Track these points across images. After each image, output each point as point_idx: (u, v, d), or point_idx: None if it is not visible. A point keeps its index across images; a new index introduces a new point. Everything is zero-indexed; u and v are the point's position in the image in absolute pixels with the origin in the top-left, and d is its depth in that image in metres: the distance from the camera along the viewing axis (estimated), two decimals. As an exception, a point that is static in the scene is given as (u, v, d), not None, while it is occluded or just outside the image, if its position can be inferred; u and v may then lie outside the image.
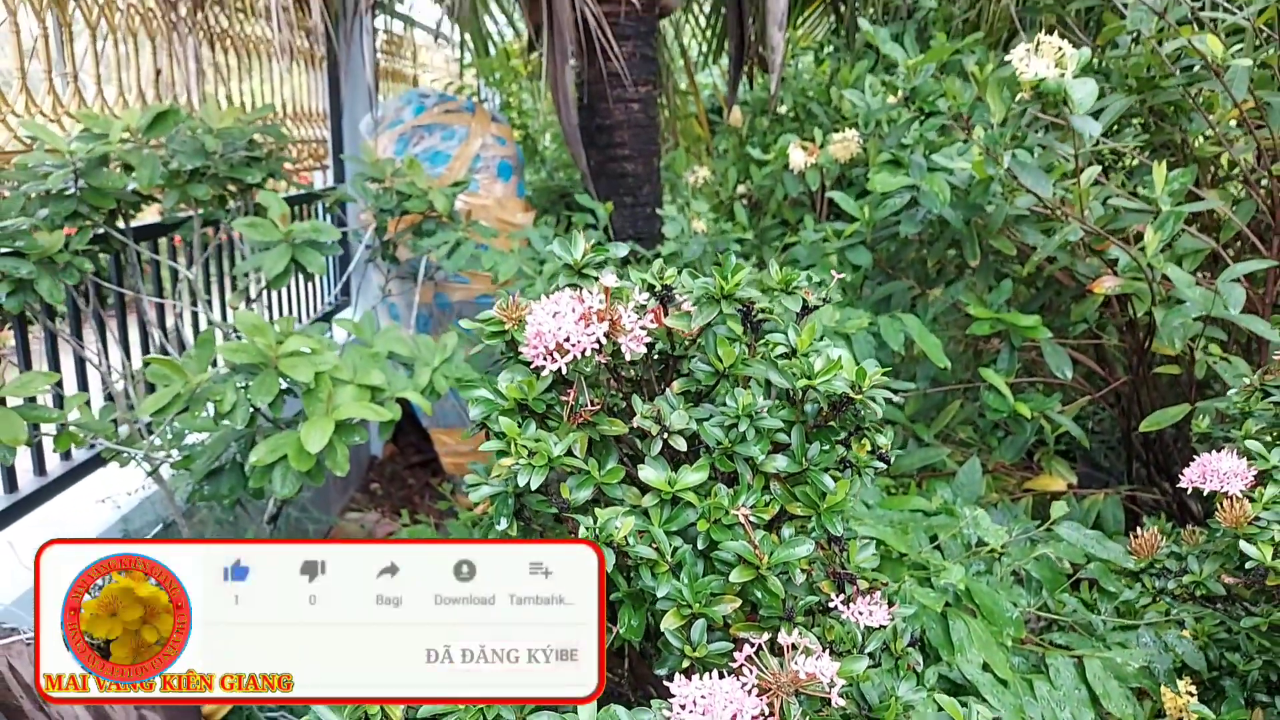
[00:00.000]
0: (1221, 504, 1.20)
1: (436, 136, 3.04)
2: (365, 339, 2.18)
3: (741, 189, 3.52)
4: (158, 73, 2.67)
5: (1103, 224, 2.38)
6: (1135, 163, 2.64)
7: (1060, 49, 1.94)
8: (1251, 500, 1.21)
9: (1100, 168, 2.22)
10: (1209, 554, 1.28)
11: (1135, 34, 2.58)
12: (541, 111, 5.18)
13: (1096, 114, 2.14)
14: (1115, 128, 2.93)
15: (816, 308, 0.97)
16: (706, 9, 4.72)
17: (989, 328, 2.38)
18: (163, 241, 2.48)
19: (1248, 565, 1.15)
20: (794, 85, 3.88)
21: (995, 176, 2.24)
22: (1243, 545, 1.16)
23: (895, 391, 2.69)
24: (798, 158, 2.87)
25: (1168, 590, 1.33)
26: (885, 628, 0.91)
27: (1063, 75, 1.92)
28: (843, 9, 4.32)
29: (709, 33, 4.78)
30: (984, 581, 1.68)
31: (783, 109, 3.81)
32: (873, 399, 0.90)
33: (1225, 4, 2.55)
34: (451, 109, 3.15)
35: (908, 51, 2.82)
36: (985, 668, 1.51)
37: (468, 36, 4.50)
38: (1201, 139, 2.78)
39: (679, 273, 1.01)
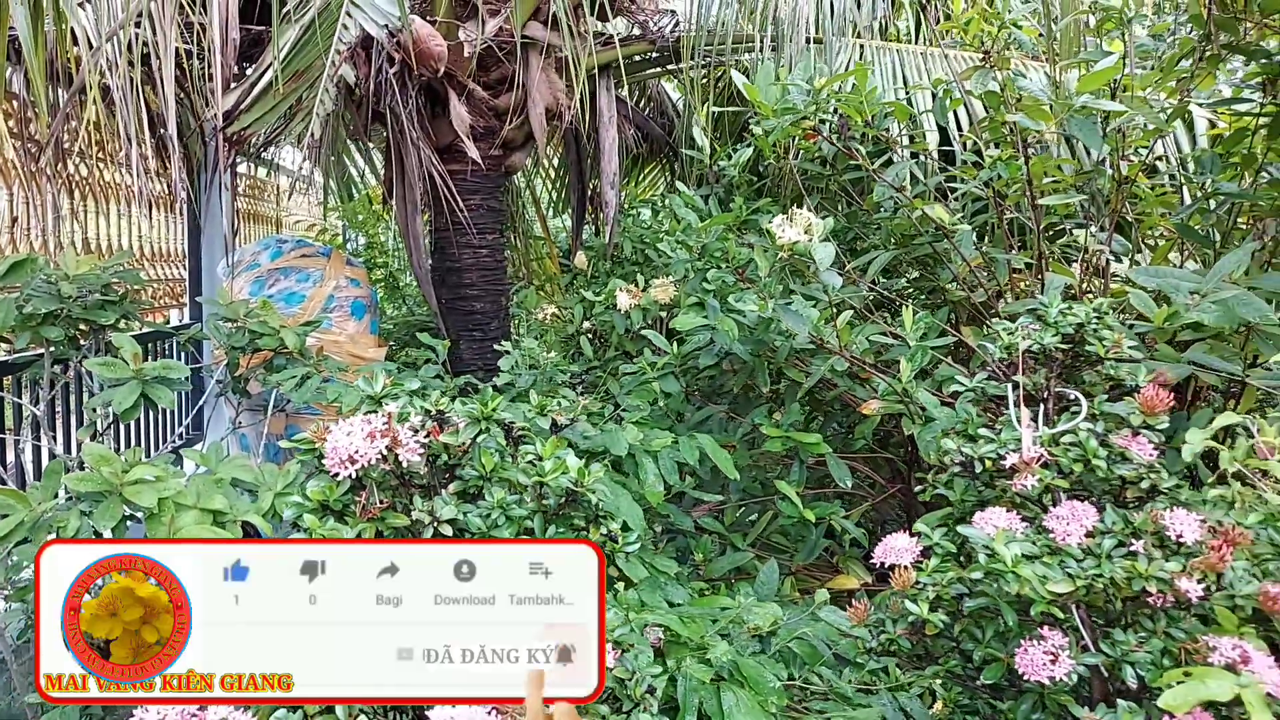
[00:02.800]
0: (893, 572, 1.59)
1: (292, 279, 3.33)
2: (212, 467, 2.38)
3: (587, 324, 3.93)
4: (14, 220, 2.87)
5: (871, 356, 2.89)
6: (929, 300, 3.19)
7: (809, 220, 2.47)
8: (919, 569, 1.60)
9: (851, 311, 2.73)
10: (897, 617, 1.65)
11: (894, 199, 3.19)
12: (401, 252, 5.54)
13: (866, 266, 2.68)
14: (887, 273, 3.54)
15: (566, 425, 1.31)
16: (556, 162, 5.29)
17: (780, 445, 2.81)
18: (7, 379, 2.62)
19: (910, 619, 1.53)
20: (635, 232, 4.39)
21: (774, 317, 2.71)
22: (906, 604, 1.54)
23: (705, 502, 3.06)
24: (623, 300, 3.31)
25: (873, 650, 1.69)
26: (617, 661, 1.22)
27: (810, 240, 2.43)
28: (676, 167, 4.96)
29: (559, 184, 5.33)
30: (755, 659, 2.01)
31: (627, 251, 4.30)
32: (593, 491, 1.24)
33: (958, 175, 3.23)
34: (308, 253, 3.46)
35: (711, 211, 3.36)
36: (750, 731, 1.81)
37: (331, 182, 4.87)
38: (953, 285, 3.40)
39: (504, 400, 1.34)
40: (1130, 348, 1.86)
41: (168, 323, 4.04)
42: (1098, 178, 3.19)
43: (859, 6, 3.27)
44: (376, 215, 5.35)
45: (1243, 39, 2.86)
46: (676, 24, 4.30)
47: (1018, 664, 1.47)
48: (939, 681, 1.80)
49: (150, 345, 3.32)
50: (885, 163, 3.30)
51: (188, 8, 2.86)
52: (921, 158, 3.50)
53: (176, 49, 2.71)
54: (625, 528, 1.40)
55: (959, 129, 3.61)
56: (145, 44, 2.56)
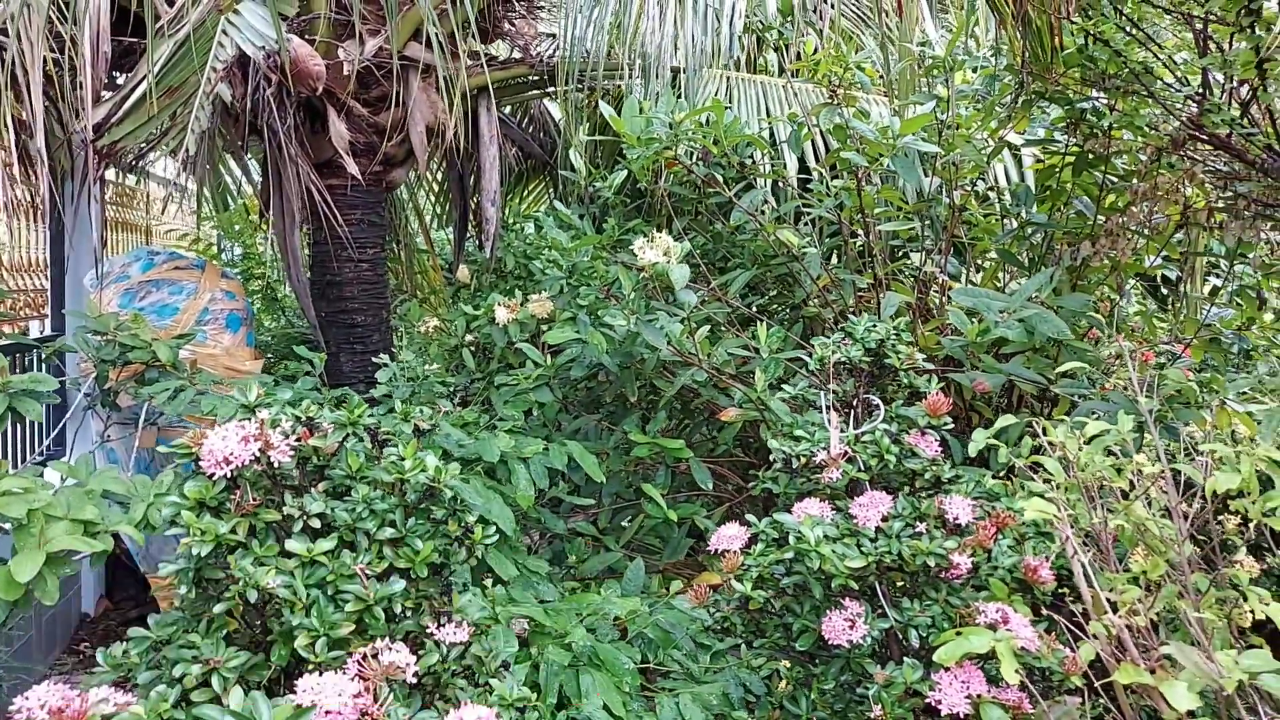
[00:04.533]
0: (723, 556, 1.85)
1: (165, 291, 3.37)
2: (81, 479, 2.44)
3: (469, 336, 4.08)
4: None
5: (732, 368, 3.17)
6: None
7: (668, 243, 2.73)
8: (746, 554, 1.87)
9: (709, 326, 3.02)
10: (731, 599, 1.91)
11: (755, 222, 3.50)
12: (280, 265, 5.55)
13: (731, 285, 2.95)
14: (750, 290, 3.85)
15: (428, 431, 1.50)
16: (440, 176, 5.42)
17: (648, 451, 3.06)
18: None
19: (738, 597, 1.79)
20: (517, 247, 4.57)
21: (638, 332, 2.96)
22: (734, 583, 1.80)
23: (581, 507, 3.29)
24: (502, 314, 3.50)
25: (711, 628, 1.94)
26: (468, 643, 1.42)
27: (669, 261, 2.69)
28: (558, 185, 5.18)
29: (442, 198, 5.47)
30: (613, 645, 2.23)
31: (510, 266, 4.48)
32: (450, 487, 1.44)
33: (814, 201, 3.57)
34: (181, 265, 3.51)
35: (587, 230, 3.60)
36: (606, 708, 2.04)
37: (206, 191, 4.86)
38: (808, 302, 3.73)
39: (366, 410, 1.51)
40: (944, 358, 2.19)
41: (26, 334, 3.99)
42: (936, 206, 3.59)
43: (719, 41, 3.57)
44: (253, 225, 5.35)
45: (1051, 87, 3.31)
46: (555, 48, 4.53)
47: (824, 631, 1.75)
48: (782, 663, 2.07)
49: (11, 358, 3.30)
50: (747, 188, 3.62)
51: (57, 19, 2.90)
52: (782, 184, 3.84)
53: (45, 58, 2.75)
54: (482, 521, 1.60)
55: (815, 159, 3.97)
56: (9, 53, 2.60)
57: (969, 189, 3.74)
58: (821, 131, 3.93)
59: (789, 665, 2.09)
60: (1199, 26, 2.66)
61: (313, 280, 3.89)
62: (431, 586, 1.46)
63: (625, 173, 3.67)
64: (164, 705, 1.23)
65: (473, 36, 3.77)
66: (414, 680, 1.26)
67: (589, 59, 3.50)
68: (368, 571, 1.35)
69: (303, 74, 3.13)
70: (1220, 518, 2.11)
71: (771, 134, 4.03)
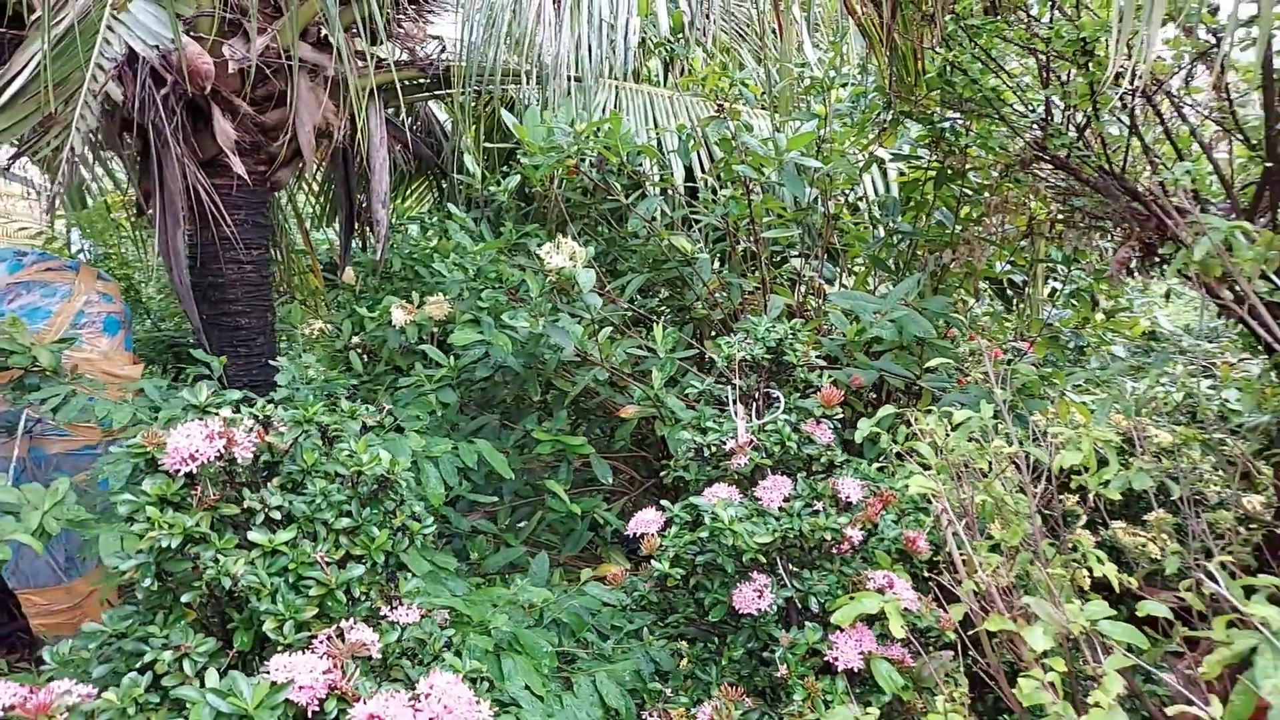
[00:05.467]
0: (642, 539, 2.04)
1: (36, 294, 3.25)
2: (-36, 490, 2.37)
3: (356, 339, 4.11)
4: None
5: (628, 367, 3.37)
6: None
7: (574, 249, 2.90)
8: (663, 536, 2.06)
9: (612, 327, 3.21)
10: (647, 579, 2.10)
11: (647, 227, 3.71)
12: (147, 263, 5.36)
13: (624, 287, 3.14)
14: (642, 293, 4.06)
15: (373, 427, 1.61)
16: (319, 175, 5.37)
17: (550, 448, 3.22)
18: None
19: (655, 575, 1.99)
20: (404, 249, 4.61)
21: (544, 333, 3.12)
22: (653, 563, 1.99)
23: (481, 505, 3.40)
24: (398, 316, 3.57)
25: (628, 607, 2.12)
26: (418, 622, 1.54)
27: (574, 265, 2.86)
28: (444, 185, 5.24)
29: (323, 198, 5.42)
30: (530, 631, 2.38)
31: (397, 268, 4.50)
32: (400, 479, 1.56)
33: (701, 209, 3.82)
34: (53, 267, 3.39)
35: (484, 234, 3.72)
36: (527, 689, 2.19)
37: (63, 188, 4.64)
38: (698, 304, 3.98)
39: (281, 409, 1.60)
40: (823, 355, 2.45)
41: None
42: (812, 214, 3.91)
43: (614, 53, 3.77)
44: (115, 224, 5.14)
45: (915, 108, 3.68)
46: (443, 50, 4.61)
47: (735, 601, 1.97)
48: (682, 644, 2.27)
49: None
50: (639, 196, 3.83)
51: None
52: (670, 192, 4.07)
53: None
54: (415, 517, 1.72)
55: (702, 168, 4.23)
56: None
57: (842, 199, 4.09)
58: (707, 142, 4.20)
59: (697, 640, 2.31)
60: (1043, 60, 3.06)
61: (194, 282, 3.82)
62: (380, 573, 1.58)
63: (519, 177, 3.81)
64: (137, 690, 1.29)
65: (362, 37, 3.81)
66: (378, 656, 1.38)
67: (487, 67, 3.62)
68: (327, 559, 1.45)
69: (192, 72, 3.11)
70: (1063, 496, 2.47)
71: (659, 143, 4.26)
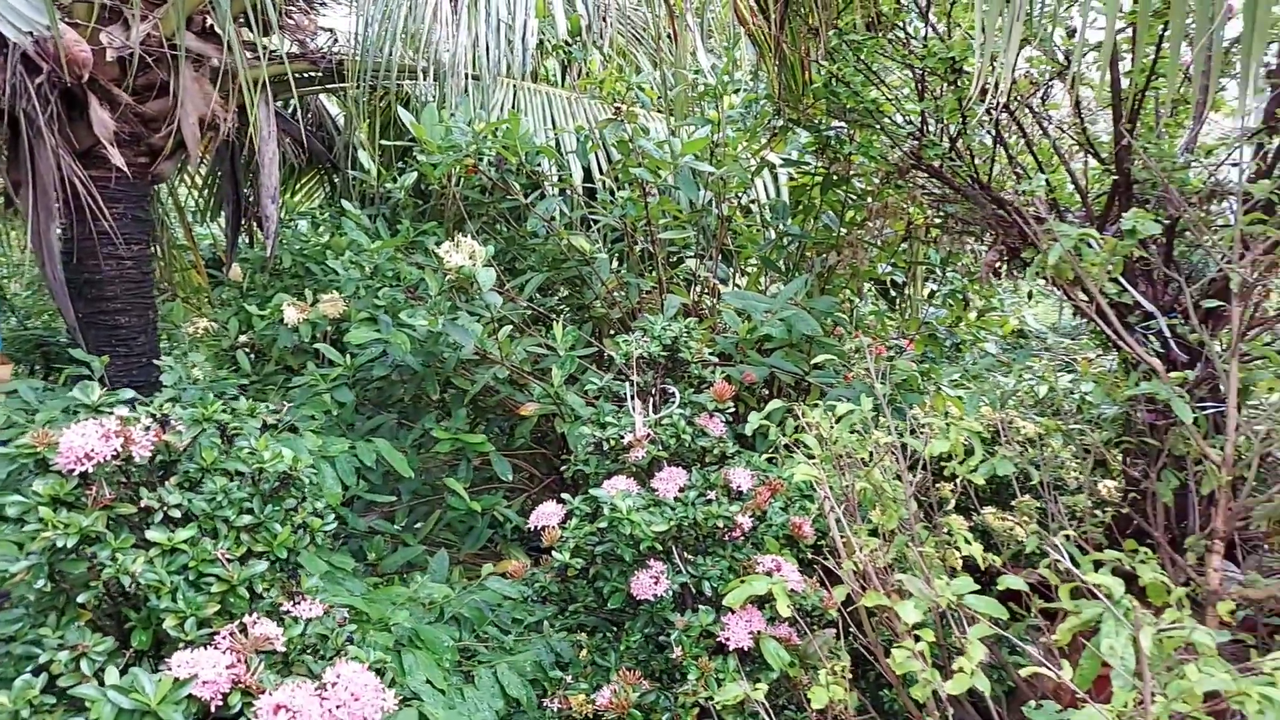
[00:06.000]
0: (543, 531, 2.11)
1: (-109, 289, 3.07)
2: None
3: (244, 338, 4.02)
4: None
5: (528, 365, 3.42)
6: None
7: (473, 247, 2.94)
8: (564, 528, 2.14)
9: (511, 326, 3.26)
10: (548, 570, 2.18)
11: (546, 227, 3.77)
12: (12, 259, 5.08)
13: (524, 286, 3.19)
14: (542, 292, 4.12)
15: (274, 426, 1.63)
16: (203, 169, 5.20)
17: (449, 446, 3.24)
18: None
19: (555, 566, 2.06)
20: (294, 245, 4.52)
21: (443, 332, 3.14)
22: (554, 555, 2.07)
23: (378, 505, 3.40)
24: (291, 314, 3.52)
25: (530, 598, 2.19)
26: (320, 617, 1.57)
27: (474, 264, 2.90)
28: (335, 180, 5.16)
29: (208, 192, 5.25)
30: (431, 627, 2.42)
31: (286, 264, 4.42)
32: (303, 477, 1.58)
33: (600, 209, 3.90)
34: (-91, 261, 3.20)
35: (380, 231, 3.70)
36: (429, 683, 2.23)
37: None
38: (597, 303, 4.06)
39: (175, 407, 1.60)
40: (717, 353, 2.57)
41: None
42: (706, 216, 4.05)
43: (512, 53, 3.82)
44: (-26, 215, 4.84)
45: (803, 115, 3.87)
46: (336, 43, 4.55)
47: (633, 589, 2.06)
48: (582, 635, 2.35)
49: None
50: (538, 195, 3.89)
51: None
52: (569, 192, 4.14)
53: None
54: (317, 513, 1.74)
55: (600, 169, 4.32)
56: None
57: (735, 202, 4.25)
58: (605, 143, 4.29)
59: (597, 629, 2.39)
60: (919, 75, 3.28)
61: (69, 279, 3.67)
62: (281, 569, 1.60)
63: (415, 174, 3.81)
64: (31, 692, 1.28)
65: (251, 28, 3.74)
66: (282, 650, 1.41)
67: (382, 63, 3.61)
68: (228, 556, 1.47)
69: (69, 60, 3.00)
70: (939, 483, 2.67)
71: (558, 143, 4.33)
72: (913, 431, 2.58)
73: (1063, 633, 1.96)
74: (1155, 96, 2.95)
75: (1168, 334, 2.82)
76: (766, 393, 3.98)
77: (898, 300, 4.88)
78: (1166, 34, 2.58)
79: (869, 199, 3.88)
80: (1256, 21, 1.73)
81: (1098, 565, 2.23)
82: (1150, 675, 1.65)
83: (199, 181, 5.26)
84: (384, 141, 4.06)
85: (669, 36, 3.69)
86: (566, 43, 3.90)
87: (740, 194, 4.28)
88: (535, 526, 2.18)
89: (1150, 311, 2.76)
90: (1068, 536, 2.38)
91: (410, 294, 3.01)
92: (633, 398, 2.28)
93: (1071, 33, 3.14)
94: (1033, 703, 1.95)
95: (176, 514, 1.48)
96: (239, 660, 1.37)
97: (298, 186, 5.55)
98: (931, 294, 4.66)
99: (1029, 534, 2.71)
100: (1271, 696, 1.50)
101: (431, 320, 2.97)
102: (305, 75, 4.36)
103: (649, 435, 2.20)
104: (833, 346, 3.56)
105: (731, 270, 4.35)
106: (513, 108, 4.22)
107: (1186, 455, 2.65)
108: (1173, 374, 2.42)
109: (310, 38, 4.34)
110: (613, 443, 2.19)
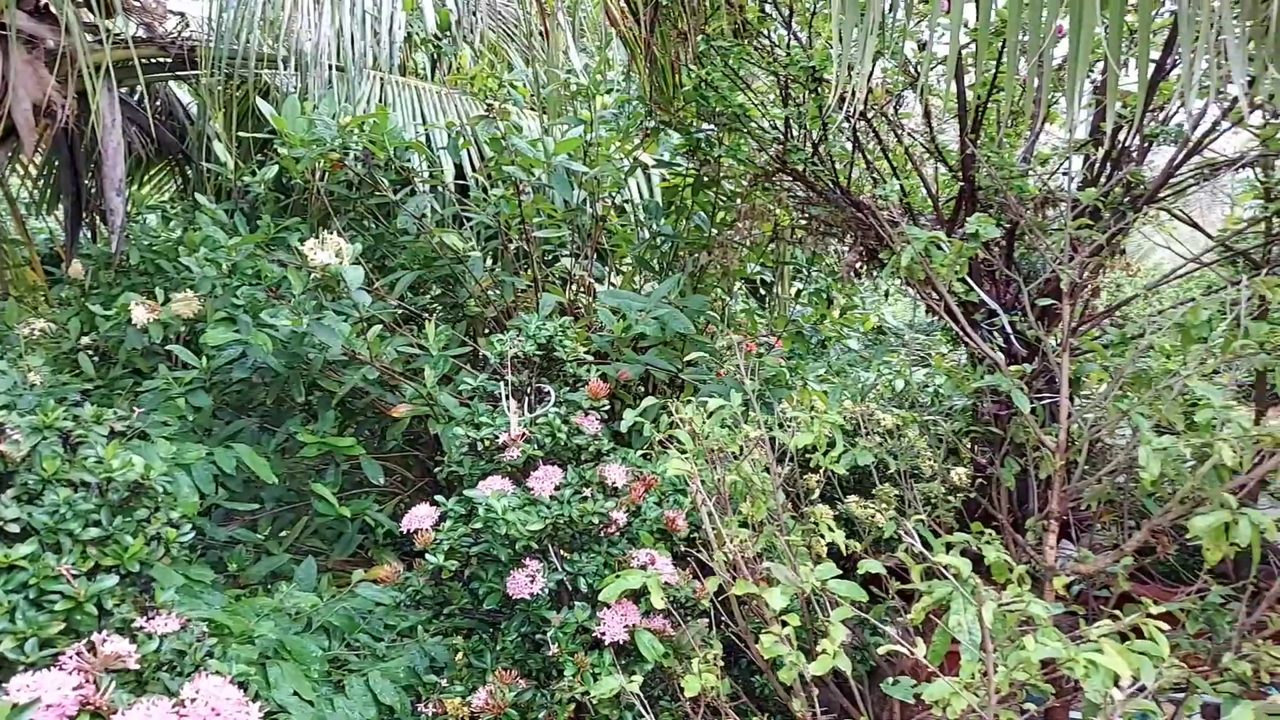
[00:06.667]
0: (416, 534, 2.08)
1: None
2: None
3: (86, 340, 3.76)
4: None
5: (400, 365, 3.35)
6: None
7: (340, 245, 2.86)
8: (437, 530, 2.12)
9: (381, 325, 3.19)
10: (422, 574, 2.15)
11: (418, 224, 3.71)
12: None
13: (394, 284, 3.12)
14: (414, 290, 4.05)
15: (122, 433, 1.55)
16: (38, 159, 4.83)
17: (316, 450, 3.14)
18: None
19: (429, 569, 2.04)
20: (143, 241, 4.26)
21: (309, 332, 3.04)
22: (428, 557, 2.05)
23: (239, 514, 3.27)
24: (140, 314, 3.32)
25: (403, 603, 2.16)
26: (178, 631, 1.51)
27: (341, 262, 2.83)
28: (188, 173, 4.90)
29: (43, 183, 4.89)
30: (298, 637, 2.35)
31: (135, 261, 4.15)
32: (156, 485, 1.51)
33: (473, 207, 3.86)
34: None
35: (238, 227, 3.55)
36: (296, 695, 2.17)
37: None
38: (471, 302, 4.02)
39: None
40: (593, 351, 2.59)
41: None
42: (581, 215, 4.07)
43: (379, 45, 3.73)
44: None
45: (674, 118, 3.95)
46: (188, 28, 4.32)
47: (509, 588, 2.07)
48: (458, 639, 2.33)
49: None
50: (410, 192, 3.81)
51: None
52: (441, 189, 4.08)
53: None
54: (172, 523, 1.66)
55: (473, 166, 4.27)
56: None
57: (610, 202, 4.29)
58: (477, 140, 4.25)
59: (475, 631, 2.38)
60: (783, 83, 3.40)
61: (-120, 275, 3.35)
62: (132, 584, 1.52)
63: (276, 168, 3.66)
64: None
65: (93, 9, 3.51)
66: (135, 668, 1.34)
67: (239, 50, 3.46)
68: (74, 571, 1.38)
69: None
70: (806, 475, 2.78)
71: (428, 139, 4.26)
72: (781, 425, 2.69)
73: (917, 612, 2.09)
74: (997, 108, 3.17)
75: (1009, 330, 3.05)
76: (643, 390, 4.04)
77: (768, 299, 5.05)
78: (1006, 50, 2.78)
79: (738, 201, 3.99)
80: (1080, 43, 1.89)
81: (949, 547, 2.39)
82: (993, 647, 1.78)
83: (34, 172, 4.89)
84: (241, 133, 3.88)
85: (541, 34, 3.69)
86: (436, 37, 3.84)
87: (614, 194, 4.33)
88: (408, 530, 2.15)
89: (994, 309, 2.97)
90: (922, 521, 2.54)
91: (272, 293, 2.90)
92: (507, 397, 2.28)
93: (923, 46, 3.34)
94: (890, 679, 2.07)
95: (15, 529, 1.38)
96: (88, 681, 1.30)
97: (146, 179, 5.23)
98: (799, 293, 4.84)
99: (888, 520, 2.86)
100: (1096, 661, 1.65)
101: (295, 320, 2.88)
102: (154, 61, 4.12)
103: (524, 434, 2.21)
104: (705, 344, 3.65)
105: (607, 269, 4.39)
106: (381, 101, 4.11)
107: (1026, 443, 2.87)
108: (1013, 367, 2.61)
109: (159, 21, 4.10)
110: (487, 443, 2.18)
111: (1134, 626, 1.87)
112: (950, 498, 2.99)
